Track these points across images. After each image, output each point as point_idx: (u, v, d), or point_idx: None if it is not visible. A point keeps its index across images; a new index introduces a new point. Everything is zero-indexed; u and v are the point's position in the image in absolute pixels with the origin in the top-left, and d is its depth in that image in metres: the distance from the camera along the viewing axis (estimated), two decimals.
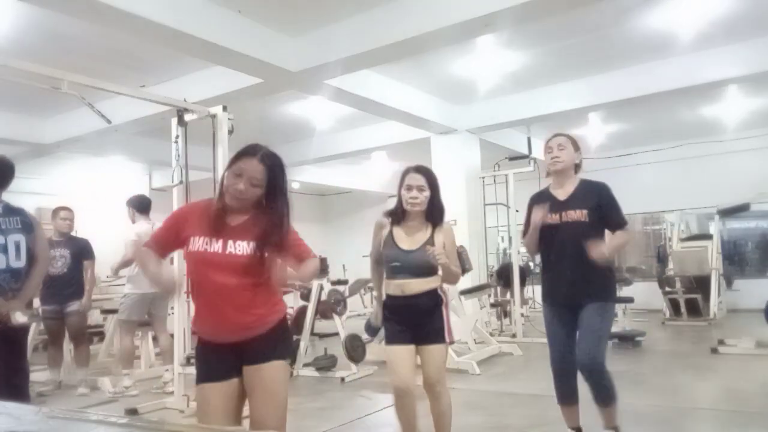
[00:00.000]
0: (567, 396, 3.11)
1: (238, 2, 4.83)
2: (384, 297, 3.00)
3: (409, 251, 2.86)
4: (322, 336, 7.76)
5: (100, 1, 3.96)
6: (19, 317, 3.14)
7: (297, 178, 12.20)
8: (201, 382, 2.21)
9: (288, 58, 5.44)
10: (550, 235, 3.04)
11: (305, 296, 6.74)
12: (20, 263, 3.21)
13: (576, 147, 3.11)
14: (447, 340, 2.91)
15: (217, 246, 2.14)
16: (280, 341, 2.26)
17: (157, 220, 5.05)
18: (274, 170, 2.26)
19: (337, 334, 6.26)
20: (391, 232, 2.94)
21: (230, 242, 2.15)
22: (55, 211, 5.51)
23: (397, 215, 2.95)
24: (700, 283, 8.91)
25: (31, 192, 9.05)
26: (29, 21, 4.90)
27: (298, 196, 14.12)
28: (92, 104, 4.49)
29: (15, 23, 4.96)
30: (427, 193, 2.89)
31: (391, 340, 2.92)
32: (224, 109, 4.65)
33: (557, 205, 3.03)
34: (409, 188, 2.88)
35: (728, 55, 6.28)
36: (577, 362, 2.93)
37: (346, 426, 4.04)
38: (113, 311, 6.19)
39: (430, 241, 2.85)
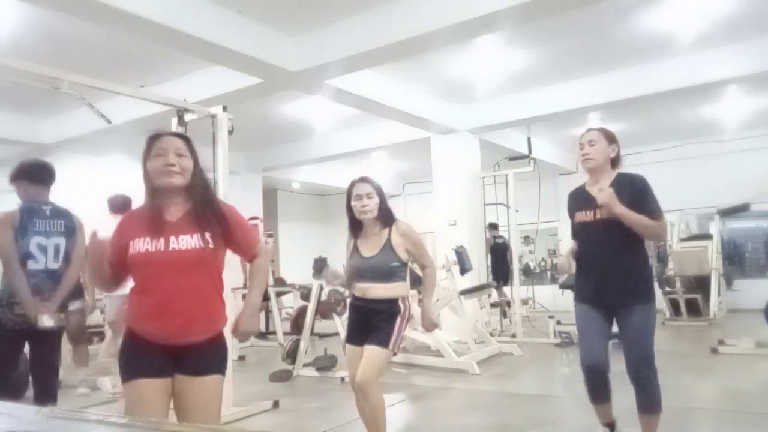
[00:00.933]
0: (600, 394, 3.03)
1: (238, 2, 4.83)
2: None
3: (369, 257, 2.99)
4: (322, 336, 7.76)
5: (100, 1, 3.96)
6: (46, 321, 3.24)
7: (297, 178, 12.21)
8: (135, 377, 2.04)
9: (288, 58, 5.44)
10: (584, 232, 2.97)
11: (305, 296, 6.74)
12: (56, 265, 3.38)
13: (610, 140, 2.99)
14: (389, 346, 2.93)
15: (158, 244, 2.04)
16: (220, 353, 2.16)
17: None
18: (190, 142, 2.19)
19: (337, 334, 6.26)
20: (355, 245, 3.09)
21: (172, 238, 2.05)
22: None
23: (355, 229, 3.08)
24: (700, 283, 8.91)
25: None
26: (29, 21, 4.91)
27: (298, 196, 14.13)
28: (92, 104, 4.49)
29: (15, 23, 4.96)
30: (376, 200, 3.00)
31: (347, 339, 3.09)
32: (224, 109, 4.64)
33: (591, 202, 2.92)
34: (359, 197, 2.99)
35: (728, 55, 6.29)
36: (629, 370, 2.85)
37: (346, 426, 4.04)
38: None
39: (387, 243, 2.98)
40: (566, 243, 3.69)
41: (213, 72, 6.03)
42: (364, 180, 3.04)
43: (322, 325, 7.39)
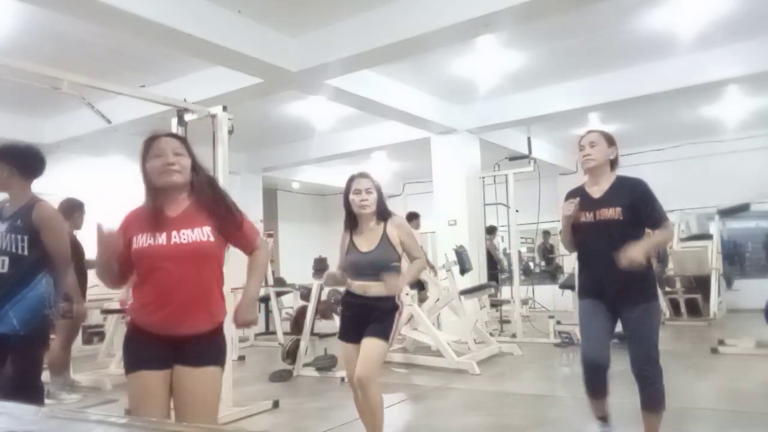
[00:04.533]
0: (598, 390, 3.05)
1: (238, 2, 4.83)
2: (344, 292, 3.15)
3: (367, 252, 3.00)
4: (322, 336, 7.76)
5: (100, 1, 3.96)
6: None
7: (297, 178, 12.21)
8: (138, 369, 2.11)
9: (288, 58, 5.44)
10: (585, 233, 2.99)
11: (305, 296, 6.74)
12: None
13: (610, 142, 3.04)
14: (389, 340, 2.97)
15: (161, 238, 2.11)
16: (218, 346, 2.21)
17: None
18: (186, 141, 2.27)
19: (337, 334, 6.26)
20: (351, 240, 3.09)
21: (174, 233, 2.12)
22: (81, 206, 5.31)
23: (352, 223, 3.10)
24: (700, 283, 8.91)
25: None
26: (29, 21, 4.90)
27: (298, 196, 14.12)
28: (92, 104, 4.49)
29: (15, 23, 4.96)
30: (374, 195, 3.03)
31: (343, 336, 3.10)
32: (224, 109, 4.64)
33: (591, 203, 2.96)
34: (358, 192, 3.01)
35: (728, 55, 6.28)
36: (634, 368, 2.86)
37: (346, 426, 4.04)
38: (113, 311, 6.19)
39: (384, 237, 3.00)
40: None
41: (213, 72, 6.02)
42: (364, 175, 3.07)
43: (322, 325, 7.39)
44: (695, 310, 8.82)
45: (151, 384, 2.10)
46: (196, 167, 2.24)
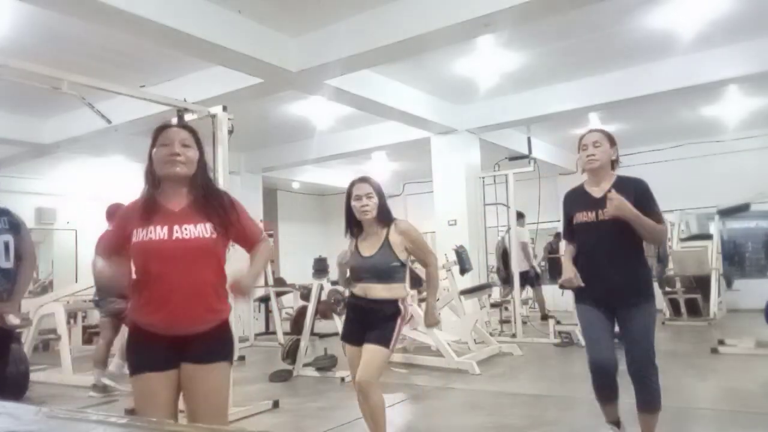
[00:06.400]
0: (608, 394, 3.04)
1: (238, 2, 4.83)
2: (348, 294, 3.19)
3: (369, 257, 3.00)
4: (322, 336, 7.76)
5: (100, 1, 3.96)
6: (13, 319, 3.20)
7: (297, 178, 12.21)
8: (142, 371, 2.07)
9: (288, 58, 5.44)
10: (586, 233, 2.97)
11: (305, 296, 6.74)
12: (9, 264, 3.25)
13: (612, 142, 3.02)
14: (390, 346, 2.95)
15: (162, 233, 2.05)
16: (225, 340, 2.18)
17: None
18: (196, 134, 2.23)
19: (337, 334, 6.26)
20: (355, 245, 3.09)
21: (176, 227, 2.06)
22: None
23: (354, 230, 3.10)
24: (700, 283, 8.91)
25: (31, 192, 9.03)
26: (29, 21, 4.90)
27: (298, 196, 14.12)
28: (92, 104, 4.49)
29: (15, 23, 4.96)
30: (375, 200, 3.01)
31: (346, 337, 3.10)
32: (224, 109, 4.64)
33: (593, 203, 2.94)
34: (359, 198, 3.00)
35: (728, 55, 6.29)
36: (631, 368, 2.86)
37: (346, 426, 4.04)
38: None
39: (386, 243, 2.99)
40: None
41: (213, 72, 6.02)
42: (363, 180, 3.05)
43: (322, 325, 7.39)
44: (695, 310, 8.82)
45: (155, 386, 2.06)
46: (200, 161, 2.20)
